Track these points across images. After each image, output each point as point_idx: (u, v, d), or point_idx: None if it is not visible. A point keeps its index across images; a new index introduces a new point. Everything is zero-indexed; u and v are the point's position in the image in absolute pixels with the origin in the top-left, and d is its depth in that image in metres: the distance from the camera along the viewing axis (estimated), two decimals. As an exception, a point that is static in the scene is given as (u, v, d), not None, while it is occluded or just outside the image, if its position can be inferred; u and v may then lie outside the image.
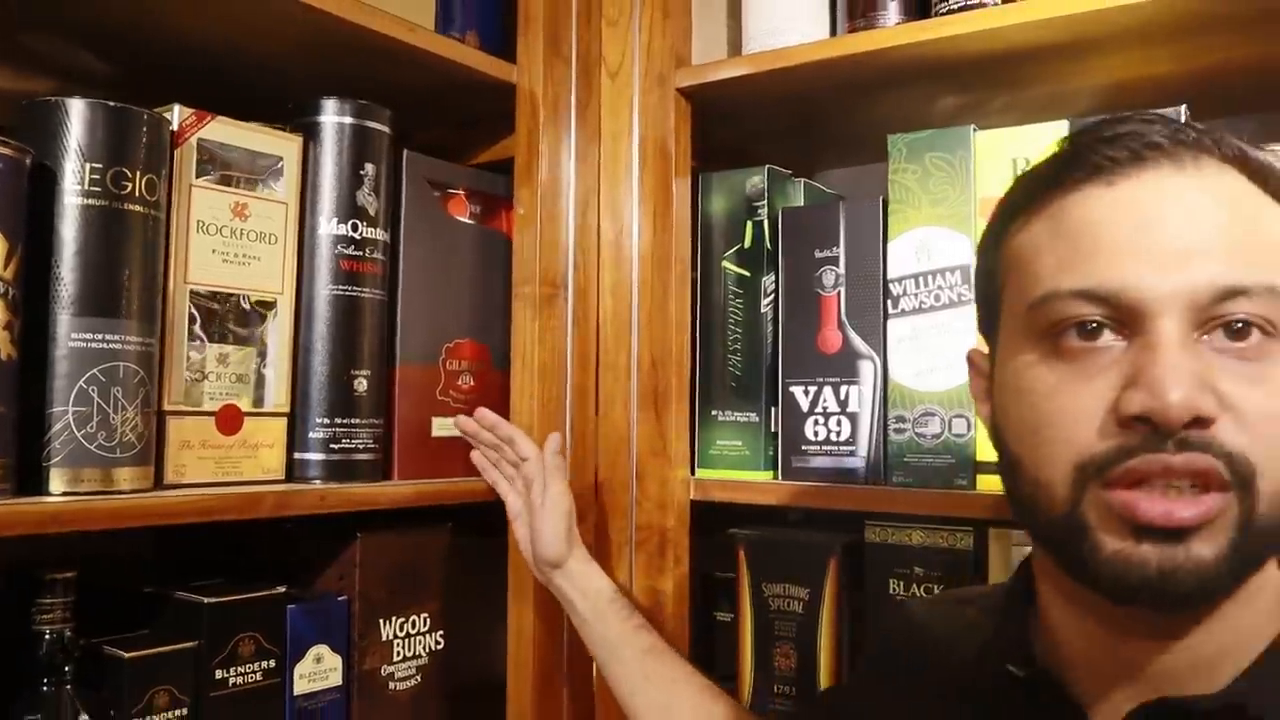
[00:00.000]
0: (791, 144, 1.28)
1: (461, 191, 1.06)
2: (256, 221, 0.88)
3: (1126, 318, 0.53)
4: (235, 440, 0.87)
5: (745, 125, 1.19)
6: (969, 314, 0.91)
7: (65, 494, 0.73)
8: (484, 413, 1.01)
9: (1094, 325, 0.54)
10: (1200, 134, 0.56)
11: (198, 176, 0.84)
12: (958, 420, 0.94)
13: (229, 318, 0.87)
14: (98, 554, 0.83)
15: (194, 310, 0.84)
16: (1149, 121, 0.56)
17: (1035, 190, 0.59)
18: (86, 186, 0.75)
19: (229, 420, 0.86)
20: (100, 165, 0.75)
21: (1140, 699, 0.56)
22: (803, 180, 1.11)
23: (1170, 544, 0.51)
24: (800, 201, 1.10)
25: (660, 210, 1.06)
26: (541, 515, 0.97)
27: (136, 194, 0.77)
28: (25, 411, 0.72)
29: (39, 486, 0.72)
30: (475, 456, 1.03)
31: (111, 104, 0.76)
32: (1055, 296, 0.55)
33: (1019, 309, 0.58)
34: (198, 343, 0.85)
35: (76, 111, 0.75)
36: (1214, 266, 0.52)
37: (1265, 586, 0.57)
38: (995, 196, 0.65)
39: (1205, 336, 0.53)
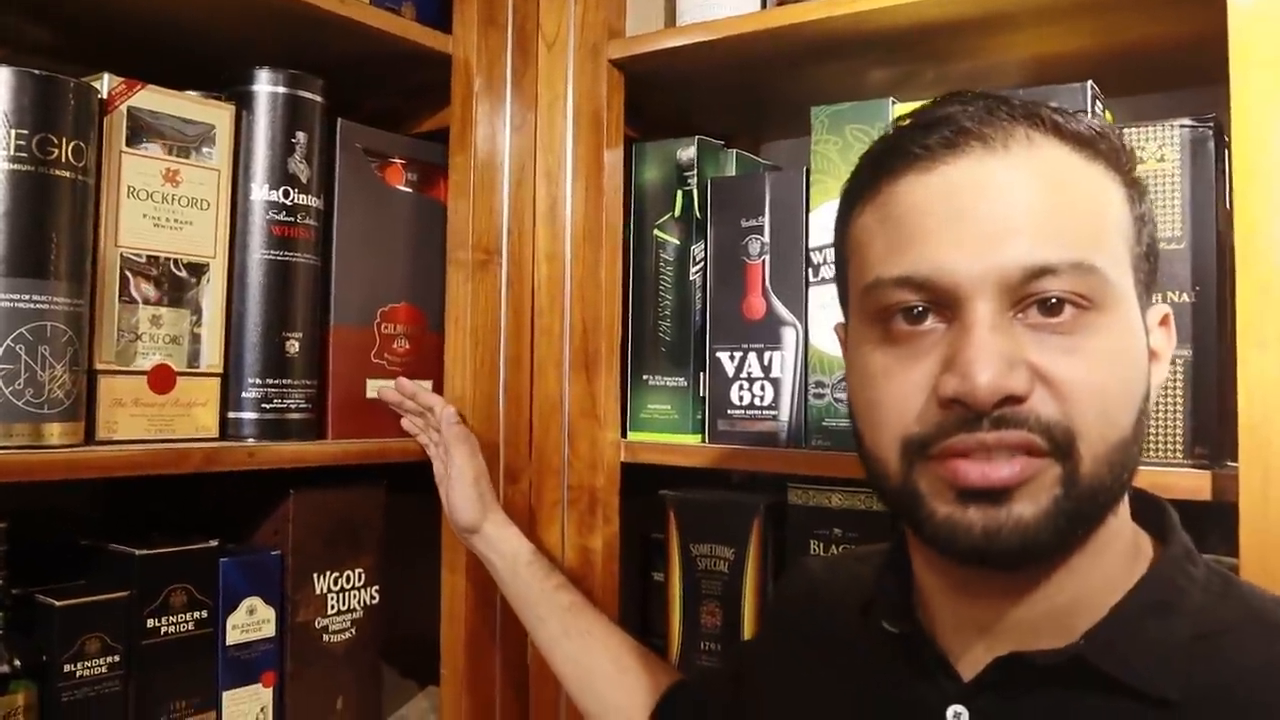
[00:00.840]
0: (736, 115, 1.30)
1: (398, 160, 1.08)
2: (189, 187, 0.91)
3: (945, 302, 0.55)
4: (168, 399, 0.90)
5: (689, 96, 1.22)
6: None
7: (-7, 447, 0.76)
8: (403, 382, 1.05)
9: (919, 310, 0.56)
10: (1013, 111, 0.57)
11: (129, 143, 0.87)
12: (872, 385, 0.97)
13: (162, 281, 0.90)
14: (36, 509, 0.86)
15: (127, 273, 0.87)
16: (966, 103, 0.58)
17: (868, 177, 0.61)
18: (13, 152, 0.78)
19: (161, 379, 0.89)
20: (26, 132, 0.78)
21: (999, 652, 0.59)
22: (735, 151, 1.14)
23: (994, 506, 0.54)
24: (732, 171, 1.13)
25: (592, 179, 1.09)
26: (450, 483, 1.01)
27: (63, 160, 0.80)
28: (-49, 368, 0.75)
29: (-33, 441, 0.76)
30: (405, 423, 1.06)
31: (37, 72, 0.79)
32: (880, 284, 0.57)
33: (858, 293, 0.61)
34: (130, 304, 0.87)
35: (3, 80, 0.78)
36: (1022, 247, 0.54)
37: (1115, 540, 0.60)
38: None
39: (1020, 314, 0.55)
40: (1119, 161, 0.59)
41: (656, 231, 1.11)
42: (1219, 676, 0.56)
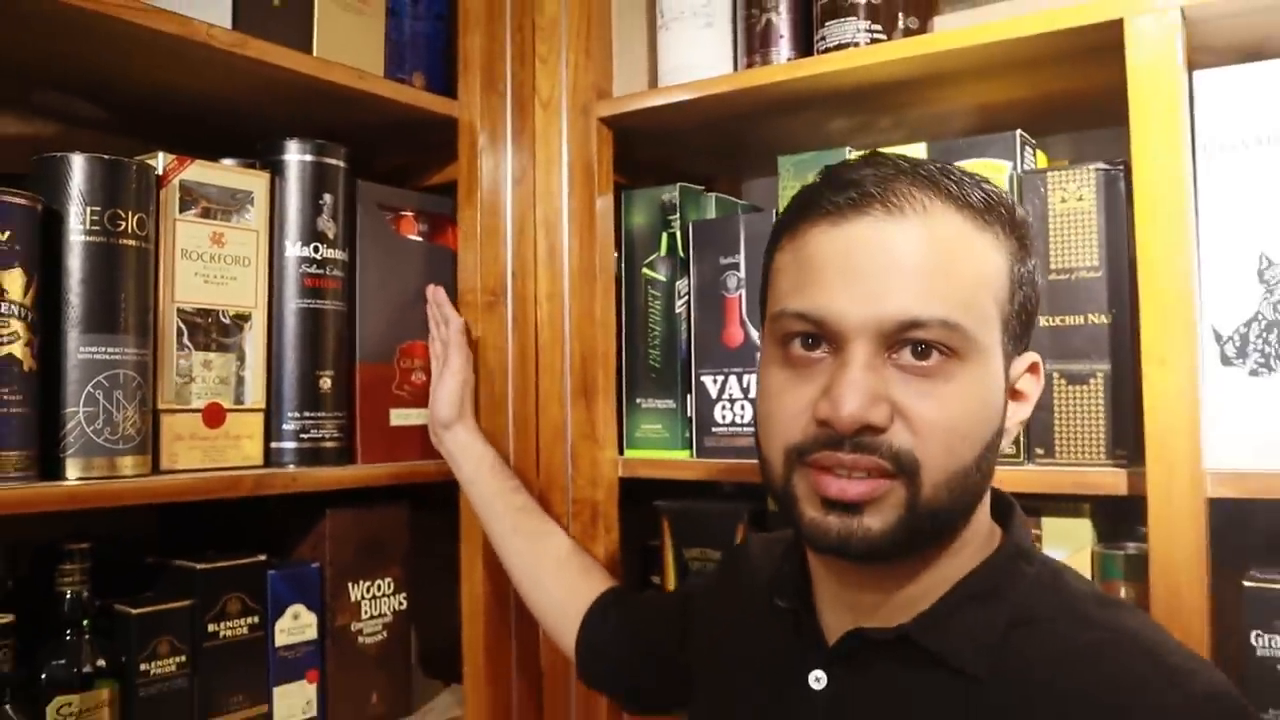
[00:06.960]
0: (716, 159, 1.44)
1: (410, 213, 1.22)
2: (233, 247, 1.04)
3: (831, 337, 0.66)
4: (219, 432, 1.03)
5: (672, 146, 1.35)
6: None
7: (79, 478, 0.90)
8: (437, 290, 1.20)
9: (812, 339, 0.67)
10: (916, 179, 0.67)
11: (180, 211, 1.00)
12: (838, 402, 1.10)
13: (212, 330, 1.03)
14: (108, 534, 0.99)
15: (181, 325, 1.00)
16: (877, 167, 0.68)
17: (792, 218, 0.71)
18: (88, 226, 0.91)
19: (213, 416, 1.03)
20: (98, 208, 0.91)
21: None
22: (714, 194, 1.27)
23: (848, 515, 0.65)
24: (711, 213, 1.26)
25: (586, 225, 1.22)
26: (439, 381, 1.16)
27: (129, 230, 0.93)
28: (44, 412, 0.88)
29: (57, 473, 0.89)
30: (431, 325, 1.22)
31: (106, 157, 0.93)
32: (785, 314, 0.68)
33: (770, 317, 0.71)
34: (186, 351, 1.01)
35: (78, 165, 0.91)
36: (899, 302, 0.64)
37: (973, 538, 0.71)
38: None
39: (893, 355, 0.65)
40: (1010, 227, 0.69)
41: (645, 270, 1.24)
42: (1026, 661, 0.65)
